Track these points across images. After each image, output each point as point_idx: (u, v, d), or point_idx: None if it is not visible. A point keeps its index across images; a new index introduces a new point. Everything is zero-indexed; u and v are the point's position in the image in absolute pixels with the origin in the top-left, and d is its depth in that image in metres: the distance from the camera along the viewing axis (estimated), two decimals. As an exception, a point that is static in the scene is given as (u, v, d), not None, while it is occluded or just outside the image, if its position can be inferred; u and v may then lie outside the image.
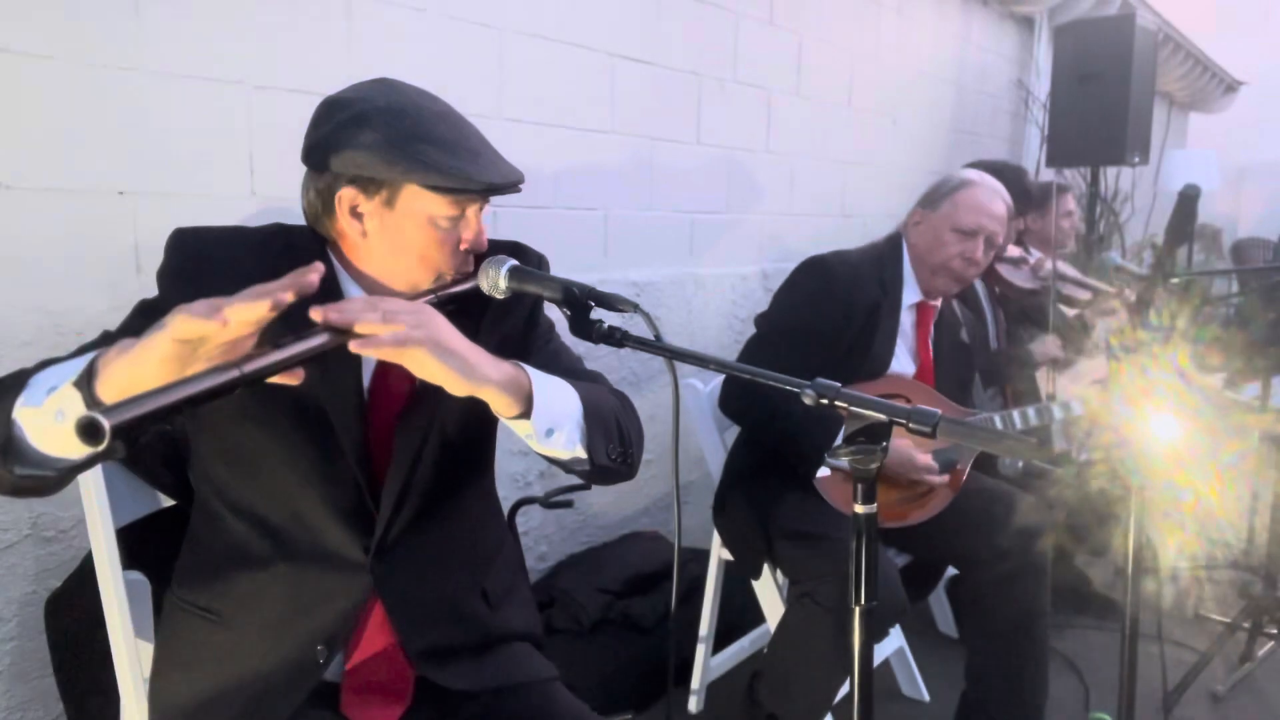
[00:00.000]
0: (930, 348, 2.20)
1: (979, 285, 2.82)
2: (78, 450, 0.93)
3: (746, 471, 2.14)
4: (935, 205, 2.15)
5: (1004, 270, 2.81)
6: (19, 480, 0.96)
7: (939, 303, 2.22)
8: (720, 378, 2.24)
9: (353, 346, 0.95)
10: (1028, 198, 2.88)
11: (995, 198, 2.13)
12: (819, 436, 1.92)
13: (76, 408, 0.86)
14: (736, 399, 2.07)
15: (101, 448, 0.74)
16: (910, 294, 2.16)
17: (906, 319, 2.16)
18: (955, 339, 2.27)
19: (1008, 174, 2.85)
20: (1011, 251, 2.84)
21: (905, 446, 1.98)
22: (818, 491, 2.02)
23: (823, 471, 2.01)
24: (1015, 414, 2.26)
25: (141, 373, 0.84)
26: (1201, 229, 7.68)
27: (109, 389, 0.86)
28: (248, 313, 0.85)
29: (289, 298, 0.87)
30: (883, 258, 2.17)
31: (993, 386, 2.70)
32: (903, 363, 2.16)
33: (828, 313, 2.04)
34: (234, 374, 0.84)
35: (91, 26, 1.61)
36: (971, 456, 2.11)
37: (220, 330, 0.84)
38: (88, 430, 0.74)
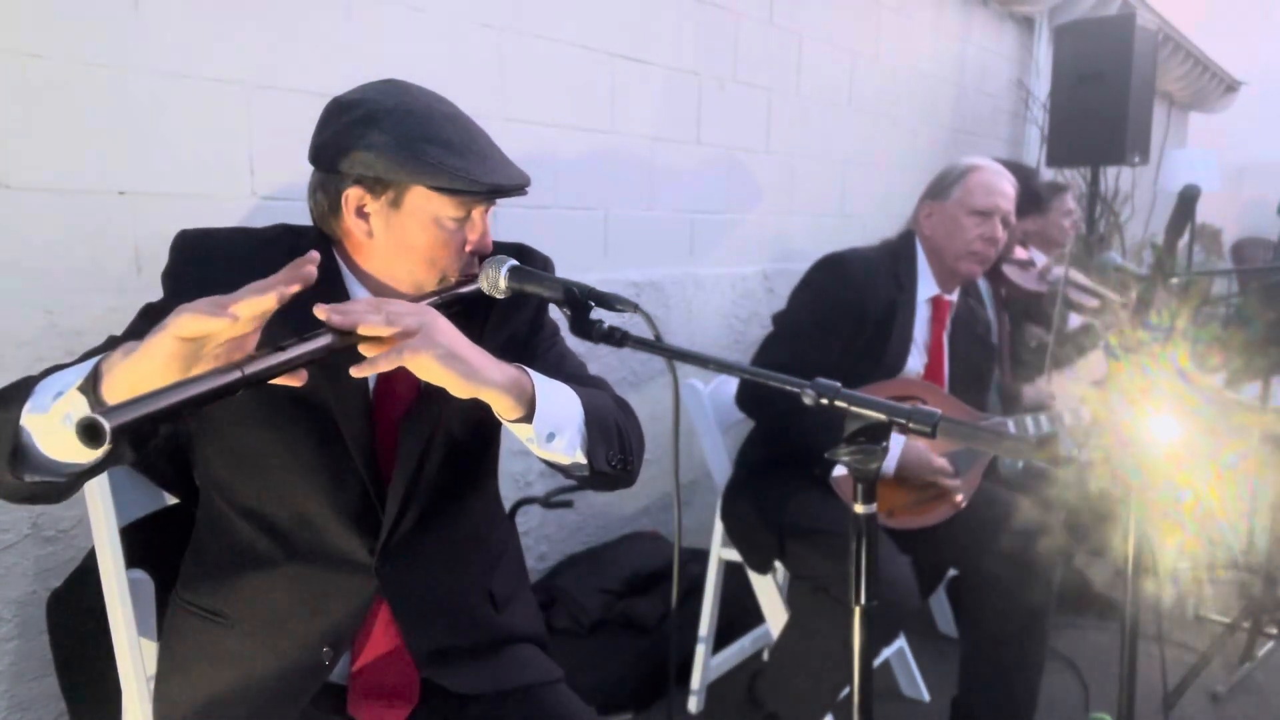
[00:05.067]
0: (944, 344, 2.21)
1: (984, 287, 2.82)
2: (86, 455, 0.93)
3: (758, 468, 2.14)
4: (945, 194, 2.16)
5: (1010, 272, 2.80)
6: (29, 487, 0.96)
7: (955, 297, 2.22)
8: (720, 378, 2.25)
9: (353, 371, 0.96)
10: (1037, 199, 2.87)
11: (1002, 177, 2.17)
12: (839, 435, 1.93)
13: (83, 411, 0.86)
14: (753, 397, 2.07)
15: (103, 449, 0.74)
16: (926, 288, 2.17)
17: (921, 314, 2.17)
18: (972, 334, 2.27)
19: (1017, 173, 2.85)
20: (1019, 254, 2.83)
21: (922, 448, 1.98)
22: (830, 488, 2.02)
23: (839, 470, 2.01)
24: (1029, 420, 2.26)
25: (145, 374, 0.84)
26: (1201, 229, 7.67)
27: (114, 392, 0.86)
28: (253, 307, 0.85)
29: (292, 290, 0.87)
30: (897, 254, 2.18)
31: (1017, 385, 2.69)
32: (916, 358, 2.16)
33: (845, 311, 2.05)
34: (236, 375, 0.83)
35: (91, 26, 1.61)
36: (984, 462, 2.12)
37: (226, 327, 0.84)
38: (89, 432, 0.74)
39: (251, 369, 0.85)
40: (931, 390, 2.12)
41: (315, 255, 0.91)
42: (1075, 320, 2.87)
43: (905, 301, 2.12)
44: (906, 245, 2.19)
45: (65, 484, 0.99)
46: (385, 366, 0.97)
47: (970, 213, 2.11)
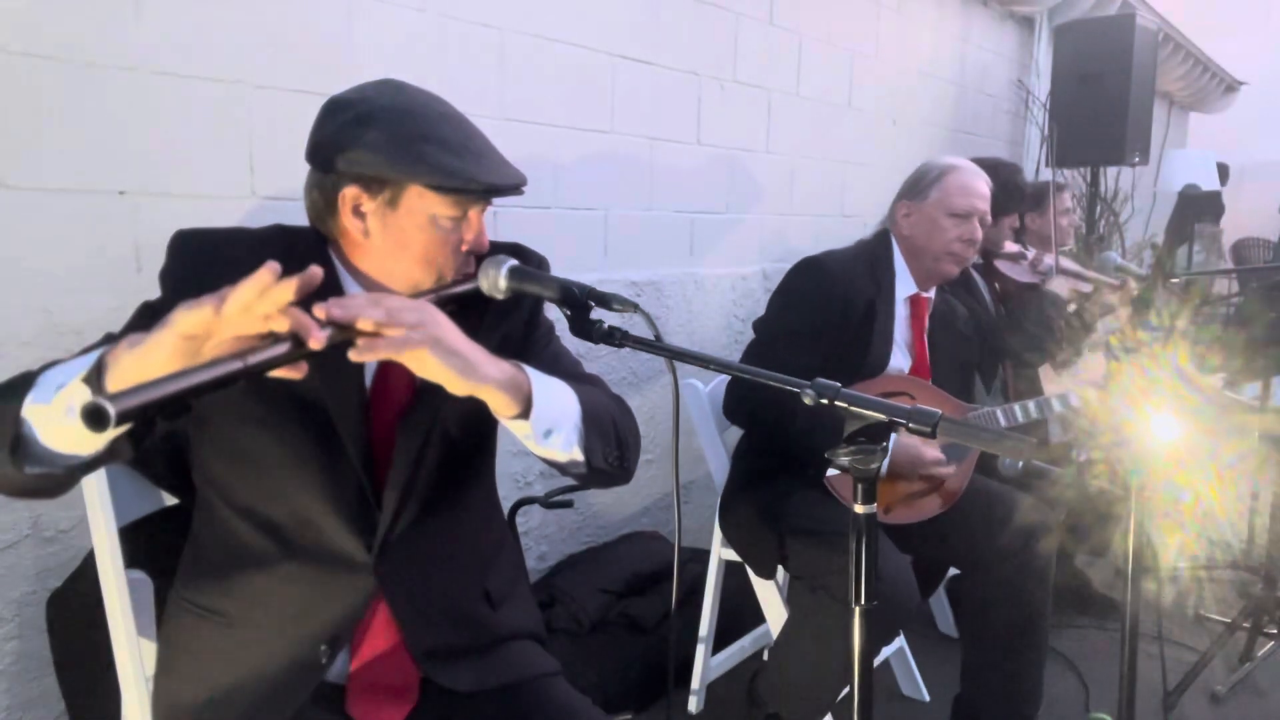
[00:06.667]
0: (925, 341, 2.21)
1: (980, 281, 2.82)
2: (87, 446, 0.94)
3: (752, 473, 2.14)
4: (923, 194, 2.17)
5: (1002, 266, 2.81)
6: (27, 479, 0.97)
7: (932, 294, 2.23)
8: (720, 378, 2.25)
9: (352, 355, 0.96)
10: (1021, 195, 2.90)
11: (978, 178, 2.19)
12: (829, 436, 1.93)
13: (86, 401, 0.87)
14: (741, 405, 2.07)
15: (106, 436, 0.74)
16: (904, 287, 2.18)
17: (901, 312, 2.17)
18: (952, 330, 2.28)
19: (1001, 171, 2.85)
20: (1009, 248, 2.84)
21: (913, 443, 1.99)
22: (825, 488, 2.02)
23: (833, 470, 2.01)
24: (1017, 407, 2.27)
25: (150, 368, 0.85)
26: (1201, 229, 7.68)
27: (118, 384, 0.87)
28: (244, 292, 0.86)
29: (276, 272, 0.87)
30: (874, 254, 2.19)
31: (995, 374, 2.70)
32: (899, 357, 2.16)
33: (825, 312, 2.05)
34: (237, 365, 0.85)
35: (91, 26, 1.61)
36: (976, 452, 2.12)
37: (218, 319, 0.85)
38: (93, 416, 0.75)
39: (253, 359, 0.86)
40: (917, 384, 2.12)
41: (318, 272, 0.91)
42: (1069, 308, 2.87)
43: (885, 300, 2.13)
44: (883, 245, 2.20)
45: (63, 477, 0.99)
46: (384, 354, 0.97)
47: (948, 214, 2.13)
